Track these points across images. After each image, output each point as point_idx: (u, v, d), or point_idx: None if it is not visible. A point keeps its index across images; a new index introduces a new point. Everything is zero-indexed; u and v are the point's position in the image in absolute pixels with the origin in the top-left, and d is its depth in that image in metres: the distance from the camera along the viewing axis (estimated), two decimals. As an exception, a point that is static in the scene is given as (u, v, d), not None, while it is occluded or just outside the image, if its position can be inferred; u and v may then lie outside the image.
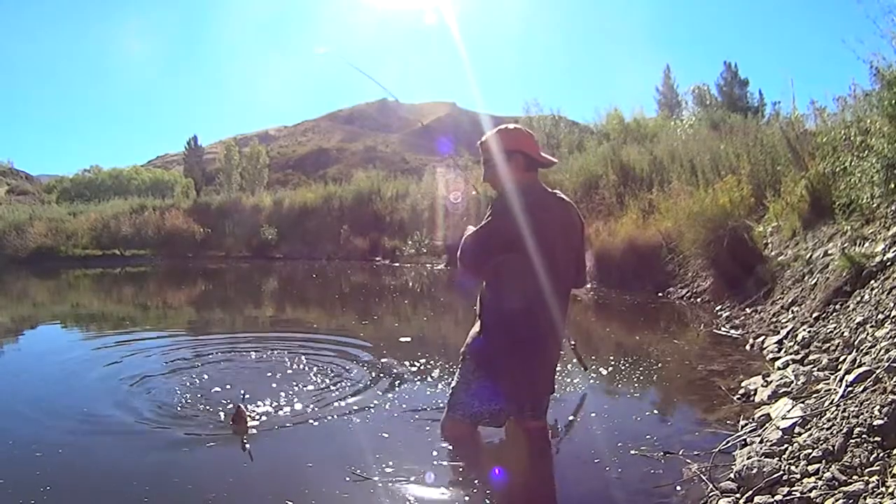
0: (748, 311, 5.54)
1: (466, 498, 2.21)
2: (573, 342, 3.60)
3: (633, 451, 2.56)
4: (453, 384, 2.64)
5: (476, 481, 2.33)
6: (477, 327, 2.63)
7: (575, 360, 3.50)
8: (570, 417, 3.11)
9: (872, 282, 3.85)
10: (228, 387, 3.69)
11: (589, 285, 8.70)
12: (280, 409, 3.19)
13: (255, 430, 2.86)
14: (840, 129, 5.38)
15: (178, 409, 3.27)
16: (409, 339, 5.04)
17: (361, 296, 9.83)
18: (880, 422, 2.02)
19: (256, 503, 2.23)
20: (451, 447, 2.60)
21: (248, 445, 2.73)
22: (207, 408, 3.25)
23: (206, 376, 3.99)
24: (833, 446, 2.06)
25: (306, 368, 4.12)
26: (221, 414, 3.11)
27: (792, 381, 3.12)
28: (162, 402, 3.38)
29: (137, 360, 4.51)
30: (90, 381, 3.93)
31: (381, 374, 3.93)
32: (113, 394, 3.58)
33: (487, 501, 2.18)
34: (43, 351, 5.22)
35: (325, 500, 2.19)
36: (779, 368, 3.60)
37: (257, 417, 3.05)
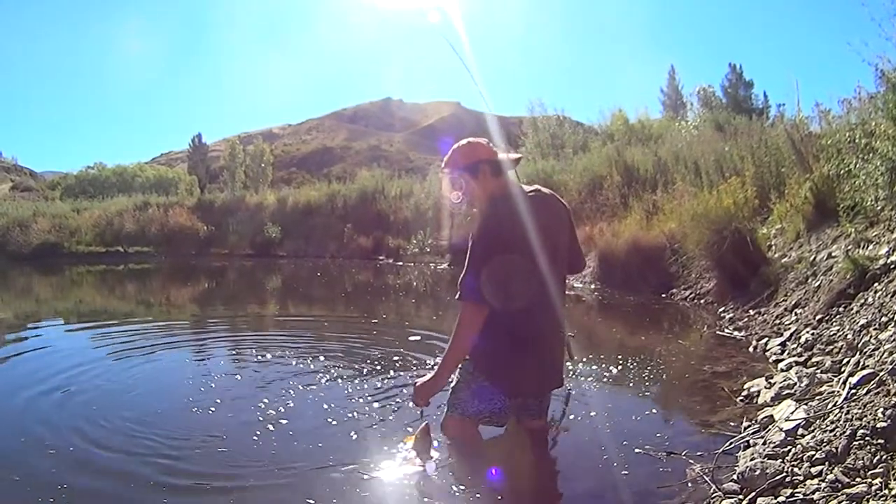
0: (751, 312, 5.54)
1: (470, 497, 2.23)
2: (571, 334, 3.54)
3: (637, 450, 2.57)
4: (453, 383, 2.64)
5: (476, 480, 2.34)
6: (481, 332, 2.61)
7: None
8: (572, 416, 3.11)
9: (876, 284, 3.85)
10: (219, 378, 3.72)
11: (592, 286, 8.72)
12: (286, 407, 3.21)
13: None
14: (845, 132, 5.37)
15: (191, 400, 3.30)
16: (418, 337, 5.05)
17: (368, 294, 9.84)
18: (884, 424, 2.02)
19: (261, 499, 2.24)
20: (451, 446, 2.61)
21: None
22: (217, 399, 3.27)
23: (213, 373, 4.03)
24: (836, 448, 2.06)
25: (314, 367, 4.14)
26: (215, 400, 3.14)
27: (795, 384, 3.12)
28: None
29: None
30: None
31: (389, 373, 3.94)
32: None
33: (488, 500, 2.20)
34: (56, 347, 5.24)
35: (330, 497, 2.20)
36: (782, 370, 3.60)
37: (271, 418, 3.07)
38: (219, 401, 3.25)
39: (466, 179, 2.57)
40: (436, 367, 2.57)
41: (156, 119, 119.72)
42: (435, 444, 2.54)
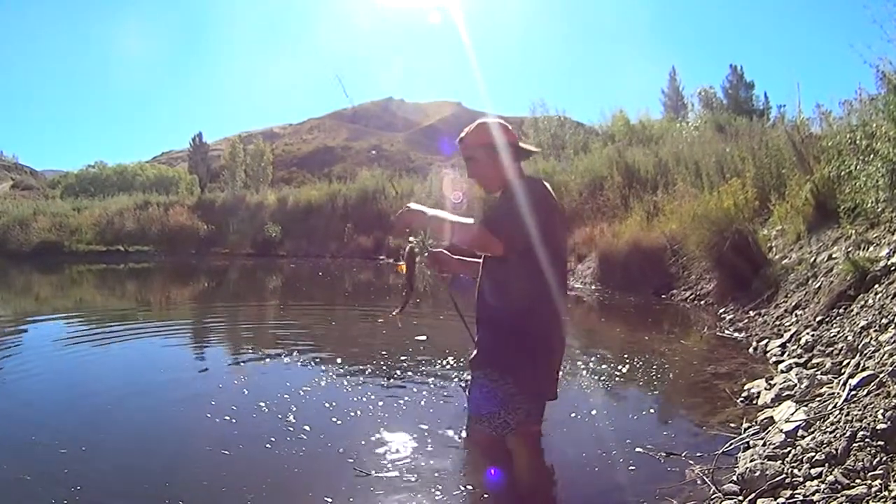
0: (752, 314, 5.54)
1: (471, 497, 2.23)
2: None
3: (637, 450, 2.57)
4: (475, 392, 2.42)
5: (479, 480, 2.34)
6: (492, 332, 2.43)
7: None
8: (573, 415, 3.11)
9: (876, 286, 3.85)
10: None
11: (593, 286, 8.72)
12: (288, 406, 3.21)
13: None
14: (845, 133, 5.38)
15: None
16: (424, 337, 5.04)
17: (372, 294, 9.84)
18: (884, 426, 2.02)
19: (262, 499, 2.24)
20: (475, 454, 2.53)
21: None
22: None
23: (227, 375, 4.03)
24: (836, 450, 2.07)
25: (320, 367, 4.16)
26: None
27: (795, 385, 3.12)
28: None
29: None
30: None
31: (396, 372, 3.94)
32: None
33: (490, 500, 2.20)
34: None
35: (330, 496, 2.21)
36: (782, 372, 3.60)
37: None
38: (234, 408, 3.21)
39: (483, 157, 2.44)
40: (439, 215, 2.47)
41: (156, 118, 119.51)
42: (427, 272, 2.52)
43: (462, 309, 2.81)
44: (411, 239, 2.58)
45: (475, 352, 2.48)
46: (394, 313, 2.55)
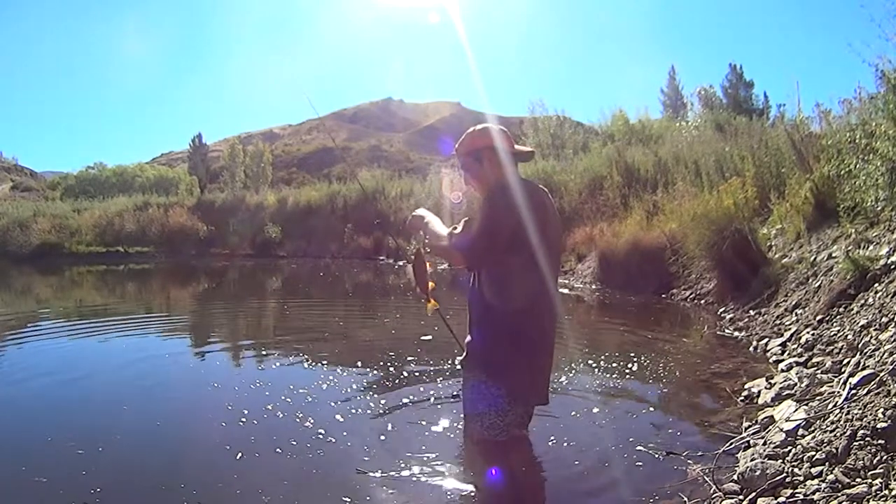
0: (752, 313, 5.54)
1: (472, 497, 2.23)
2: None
3: (637, 450, 2.57)
4: (468, 392, 2.49)
5: (479, 481, 2.34)
6: (486, 333, 2.43)
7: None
8: (573, 414, 3.11)
9: (876, 285, 3.85)
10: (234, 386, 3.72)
11: (593, 286, 8.72)
12: (294, 406, 3.22)
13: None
14: (845, 132, 5.37)
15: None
16: (429, 337, 5.04)
17: (376, 295, 9.85)
18: (884, 425, 2.02)
19: (263, 498, 2.24)
20: (474, 452, 2.51)
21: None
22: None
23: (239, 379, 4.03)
24: (836, 449, 2.07)
25: (325, 366, 4.17)
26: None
27: (795, 384, 3.12)
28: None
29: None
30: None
31: (402, 374, 3.94)
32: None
33: (490, 500, 2.20)
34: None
35: (330, 494, 2.21)
36: (782, 371, 3.60)
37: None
38: (246, 411, 3.18)
39: (471, 164, 2.50)
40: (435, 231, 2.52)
41: (156, 119, 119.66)
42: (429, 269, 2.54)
43: (450, 321, 2.86)
44: (414, 241, 2.64)
45: (466, 353, 2.49)
46: (429, 308, 2.59)
